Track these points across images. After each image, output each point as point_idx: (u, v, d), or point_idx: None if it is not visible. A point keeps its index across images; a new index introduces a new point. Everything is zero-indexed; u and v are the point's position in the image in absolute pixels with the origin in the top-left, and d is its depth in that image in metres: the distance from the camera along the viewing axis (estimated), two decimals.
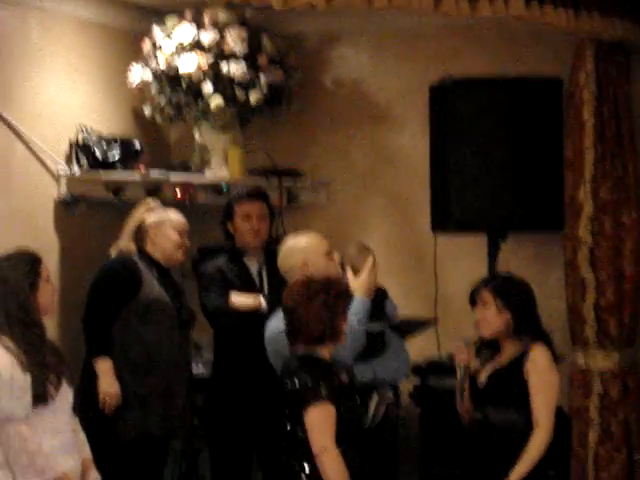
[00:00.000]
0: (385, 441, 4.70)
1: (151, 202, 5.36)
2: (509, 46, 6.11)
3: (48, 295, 3.99)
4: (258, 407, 5.15)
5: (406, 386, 5.70)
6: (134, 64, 6.14)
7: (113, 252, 5.23)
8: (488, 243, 5.77)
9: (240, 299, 5.30)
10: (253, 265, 5.49)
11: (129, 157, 6.02)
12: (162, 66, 6.05)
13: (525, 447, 4.30)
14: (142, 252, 5.18)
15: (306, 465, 3.96)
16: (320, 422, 3.93)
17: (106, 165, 5.91)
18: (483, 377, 4.47)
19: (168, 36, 6.09)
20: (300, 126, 6.55)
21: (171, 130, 6.71)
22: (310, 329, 4.05)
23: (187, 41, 6.03)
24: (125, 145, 6.02)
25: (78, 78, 6.04)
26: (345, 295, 4.20)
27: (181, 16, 6.12)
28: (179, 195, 6.12)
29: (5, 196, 5.51)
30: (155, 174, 6.08)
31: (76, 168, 5.87)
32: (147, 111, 6.23)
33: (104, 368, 4.98)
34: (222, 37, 6.05)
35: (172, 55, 6.03)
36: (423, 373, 5.72)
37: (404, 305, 5.54)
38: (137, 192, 5.94)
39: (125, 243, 5.20)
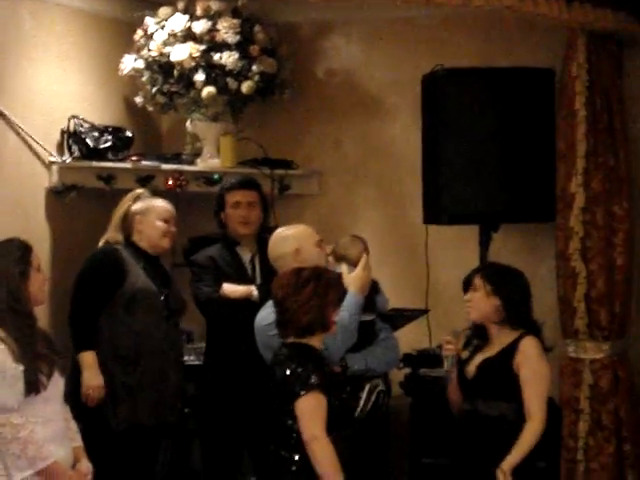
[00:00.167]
0: (375, 430, 4.71)
1: (139, 191, 5.35)
2: (501, 37, 6.10)
3: (39, 284, 3.99)
4: (250, 397, 5.15)
5: (397, 376, 5.71)
6: (126, 54, 6.13)
7: (101, 243, 5.22)
8: (480, 234, 5.77)
9: (231, 288, 5.30)
10: (246, 254, 5.49)
11: (121, 146, 6.03)
12: (154, 55, 6.04)
13: (515, 438, 4.31)
14: (128, 242, 5.18)
15: (296, 454, 3.97)
16: (311, 411, 3.94)
17: (98, 154, 5.91)
18: (472, 368, 4.48)
19: (160, 25, 6.08)
20: (292, 116, 6.55)
21: (163, 119, 6.71)
22: (300, 319, 4.06)
23: (179, 30, 6.03)
24: (117, 134, 6.03)
25: (70, 67, 6.03)
26: (335, 284, 4.20)
27: (173, 5, 6.12)
28: (170, 184, 6.12)
29: None
30: (147, 163, 6.08)
31: (68, 157, 5.87)
32: (139, 100, 6.23)
33: (88, 361, 4.98)
34: (214, 26, 6.05)
35: (164, 44, 6.03)
36: (414, 363, 5.73)
37: (396, 296, 5.55)
38: (128, 181, 5.94)
39: (112, 234, 5.20)
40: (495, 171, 5.60)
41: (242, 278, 5.38)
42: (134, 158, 6.05)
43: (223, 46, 6.04)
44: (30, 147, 5.73)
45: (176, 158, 6.31)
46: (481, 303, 4.46)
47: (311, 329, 4.10)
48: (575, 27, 5.56)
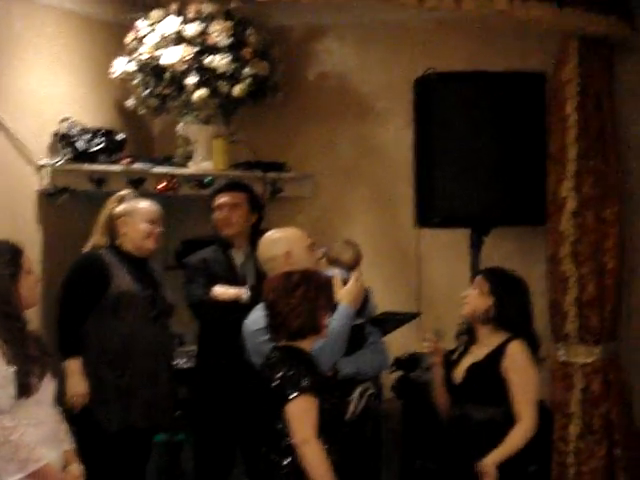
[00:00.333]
0: (366, 434, 4.71)
1: (123, 193, 5.32)
2: (494, 40, 6.12)
3: (30, 287, 3.97)
4: (241, 400, 5.14)
5: (388, 379, 5.71)
6: (118, 56, 6.12)
7: (87, 247, 5.21)
8: (471, 237, 5.78)
9: (221, 290, 5.30)
10: (238, 256, 5.49)
11: (112, 149, 6.02)
12: (146, 58, 6.04)
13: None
14: (113, 245, 5.16)
15: (286, 457, 3.97)
16: (302, 414, 3.93)
17: (89, 157, 5.90)
18: (460, 372, 4.48)
19: (152, 28, 6.08)
20: (285, 119, 6.55)
21: (155, 122, 6.71)
22: (291, 322, 4.05)
23: (171, 33, 6.02)
24: (108, 137, 6.02)
25: (61, 70, 6.02)
26: (325, 287, 4.19)
27: (165, 8, 6.12)
28: (162, 187, 6.11)
29: None
30: (138, 166, 6.07)
31: (59, 159, 5.86)
32: (131, 103, 6.22)
33: (73, 368, 4.97)
34: (206, 29, 6.05)
35: (156, 47, 6.02)
36: (405, 366, 5.74)
37: (387, 299, 5.55)
38: (120, 184, 5.92)
39: (97, 237, 5.18)
40: (486, 175, 5.61)
41: (234, 280, 5.38)
42: (126, 161, 6.04)
43: (215, 49, 6.04)
44: (21, 149, 5.72)
45: (168, 161, 6.30)
46: (475, 300, 4.50)
47: (302, 332, 4.09)
48: (567, 31, 5.58)
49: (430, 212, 5.74)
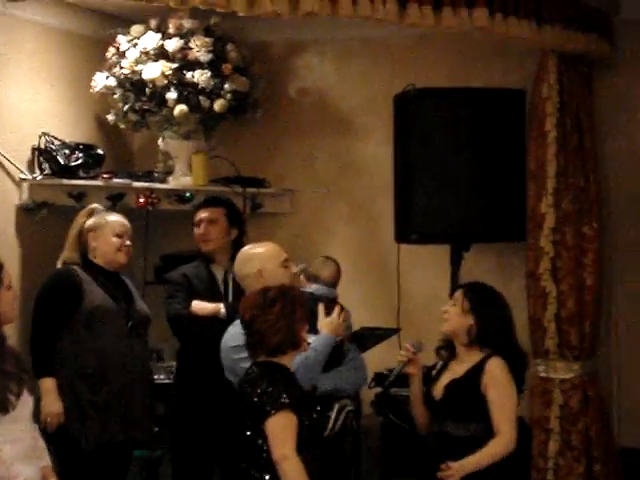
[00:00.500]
0: (346, 450, 4.70)
1: (92, 207, 5.28)
2: (474, 57, 6.15)
3: (9, 302, 3.95)
4: (220, 415, 5.13)
5: (368, 395, 5.70)
6: (98, 71, 6.12)
7: (59, 263, 5.18)
8: (451, 253, 5.79)
9: (200, 305, 5.29)
10: (219, 272, 5.48)
11: (92, 164, 6.01)
12: (126, 73, 6.03)
13: None
14: (85, 259, 5.13)
15: (266, 474, 3.95)
16: (281, 430, 3.92)
17: (69, 171, 5.89)
18: (439, 389, 4.47)
19: (132, 43, 6.08)
20: (265, 134, 6.55)
21: (135, 137, 6.70)
22: (270, 339, 4.04)
23: (151, 48, 6.02)
24: (88, 152, 6.01)
25: (41, 84, 6.01)
26: (302, 301, 4.18)
27: (146, 23, 6.12)
28: (142, 202, 6.10)
29: None
30: (118, 181, 6.06)
31: (38, 174, 5.84)
32: (111, 118, 6.21)
33: (47, 387, 4.93)
34: (187, 45, 6.06)
35: (136, 62, 6.02)
36: (385, 382, 5.72)
37: (367, 314, 5.55)
38: (99, 199, 5.90)
39: (68, 253, 5.14)
40: (466, 191, 5.62)
41: (214, 295, 5.37)
42: (105, 176, 6.03)
43: (195, 64, 6.05)
44: (0, 164, 5.71)
45: (148, 176, 6.29)
46: (455, 318, 4.48)
47: (282, 348, 4.08)
48: (546, 49, 5.61)
49: (409, 228, 5.74)
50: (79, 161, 5.93)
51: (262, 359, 4.10)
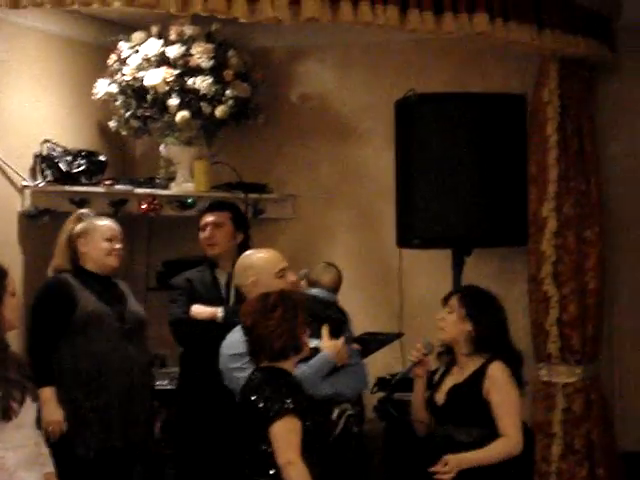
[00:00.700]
0: (348, 455, 4.70)
1: (80, 212, 5.25)
2: (474, 62, 6.15)
3: (13, 309, 3.95)
4: (223, 421, 5.12)
5: (371, 400, 5.70)
6: (100, 78, 6.13)
7: (50, 271, 5.16)
8: (453, 258, 5.79)
9: (198, 309, 5.31)
10: (222, 276, 5.50)
11: (94, 170, 6.02)
12: (128, 80, 6.04)
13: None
14: (76, 266, 5.12)
15: (270, 479, 3.95)
16: (286, 435, 3.92)
17: (71, 178, 5.90)
18: (442, 394, 4.47)
19: (134, 50, 6.09)
20: (266, 140, 6.56)
21: (136, 144, 6.71)
22: (272, 344, 4.04)
23: (153, 55, 6.04)
24: (90, 158, 6.02)
25: (43, 91, 6.02)
26: (303, 306, 4.18)
27: (147, 30, 6.13)
28: (144, 208, 6.10)
29: None
30: (120, 187, 6.07)
31: (40, 181, 5.85)
32: (113, 124, 6.22)
33: (47, 396, 4.91)
34: (188, 51, 6.07)
35: (138, 69, 6.03)
36: (388, 387, 5.72)
37: (369, 319, 5.55)
38: (102, 205, 5.92)
39: (58, 259, 5.12)
40: (468, 196, 5.62)
41: (216, 300, 5.38)
42: (107, 182, 6.04)
43: (197, 71, 6.06)
44: (3, 171, 5.72)
45: (150, 182, 6.30)
46: (453, 326, 4.46)
47: (284, 353, 4.08)
48: (547, 53, 5.61)
49: (411, 233, 5.75)
50: (81, 168, 5.94)
51: (265, 364, 4.11)
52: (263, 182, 6.43)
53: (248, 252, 4.91)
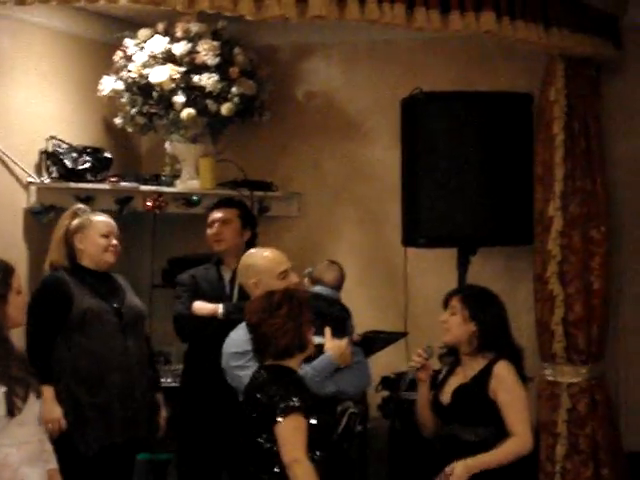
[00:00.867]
0: (351, 453, 4.70)
1: (76, 207, 5.20)
2: (481, 61, 6.14)
3: (18, 307, 3.96)
4: (228, 418, 5.13)
5: (375, 399, 5.70)
6: (105, 75, 6.13)
7: (46, 266, 5.15)
8: (458, 257, 5.79)
9: (199, 305, 5.32)
10: (227, 273, 5.49)
11: (99, 167, 6.02)
12: (134, 77, 6.04)
13: None
14: (72, 263, 5.09)
15: (275, 477, 3.95)
16: (291, 433, 3.91)
17: (76, 175, 5.89)
18: (447, 394, 4.46)
19: (140, 47, 6.09)
20: (272, 138, 6.56)
21: (142, 141, 6.71)
22: (278, 342, 4.04)
23: (159, 52, 6.03)
24: (95, 155, 6.02)
25: (49, 88, 6.02)
26: (308, 304, 4.18)
27: (153, 27, 6.13)
28: (149, 205, 6.10)
29: None
30: (125, 184, 6.07)
31: (46, 178, 5.85)
32: (118, 121, 6.22)
33: (46, 395, 4.90)
34: (194, 48, 6.06)
35: (144, 66, 6.03)
36: (392, 386, 5.72)
37: (374, 318, 5.54)
38: (107, 202, 5.92)
39: (54, 255, 5.09)
40: (473, 195, 5.61)
41: (220, 296, 5.38)
42: (113, 179, 6.04)
43: (203, 68, 6.05)
44: (8, 168, 5.72)
45: (155, 179, 6.30)
46: (457, 328, 4.44)
47: (289, 351, 4.08)
48: (553, 52, 5.60)
49: (416, 232, 5.74)
50: (86, 164, 5.94)
51: (269, 362, 4.10)
52: (268, 180, 6.42)
53: (252, 250, 4.92)
